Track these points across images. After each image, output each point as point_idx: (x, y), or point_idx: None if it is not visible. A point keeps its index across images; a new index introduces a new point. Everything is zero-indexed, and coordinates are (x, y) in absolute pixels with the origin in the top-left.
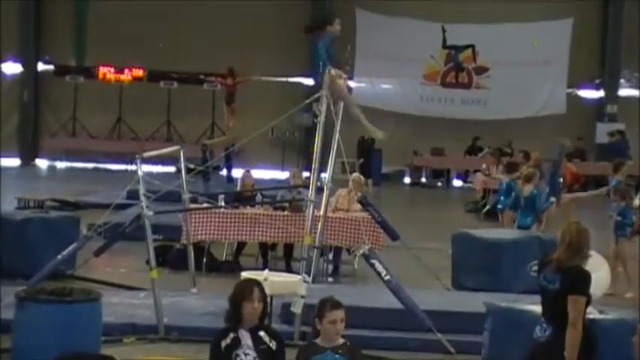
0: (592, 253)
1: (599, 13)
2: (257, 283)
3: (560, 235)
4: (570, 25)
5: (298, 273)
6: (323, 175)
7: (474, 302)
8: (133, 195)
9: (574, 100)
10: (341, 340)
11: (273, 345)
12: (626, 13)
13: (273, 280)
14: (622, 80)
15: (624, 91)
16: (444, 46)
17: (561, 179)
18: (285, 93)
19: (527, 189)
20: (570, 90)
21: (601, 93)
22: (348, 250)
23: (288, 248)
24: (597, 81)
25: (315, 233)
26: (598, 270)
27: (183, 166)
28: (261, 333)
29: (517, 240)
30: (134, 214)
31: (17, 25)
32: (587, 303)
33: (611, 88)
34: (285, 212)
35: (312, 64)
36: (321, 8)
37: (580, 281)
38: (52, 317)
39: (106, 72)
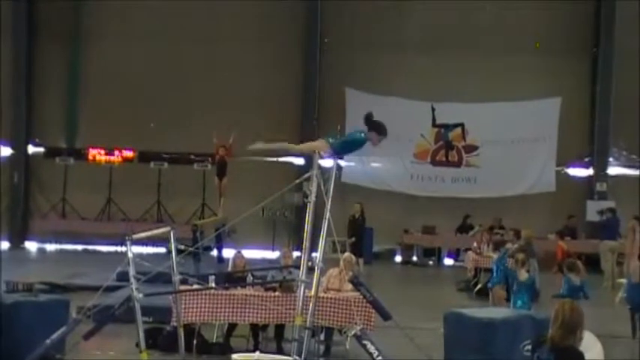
0: (585, 332)
1: (587, 92)
2: None
3: (553, 315)
4: (559, 104)
5: (289, 354)
6: (314, 254)
7: None
8: (123, 277)
9: (564, 178)
10: None
11: None
12: (614, 90)
13: None
14: (611, 158)
15: (613, 169)
16: (434, 124)
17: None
18: (276, 173)
19: (523, 274)
20: (560, 168)
21: (590, 171)
22: (340, 331)
23: (280, 329)
24: (587, 159)
25: (307, 314)
26: (591, 349)
27: (173, 247)
28: None
29: (509, 319)
30: (124, 297)
31: (8, 108)
32: None
33: (601, 166)
34: (276, 293)
35: (301, 144)
36: (311, 88)
37: None
38: None
39: (96, 153)
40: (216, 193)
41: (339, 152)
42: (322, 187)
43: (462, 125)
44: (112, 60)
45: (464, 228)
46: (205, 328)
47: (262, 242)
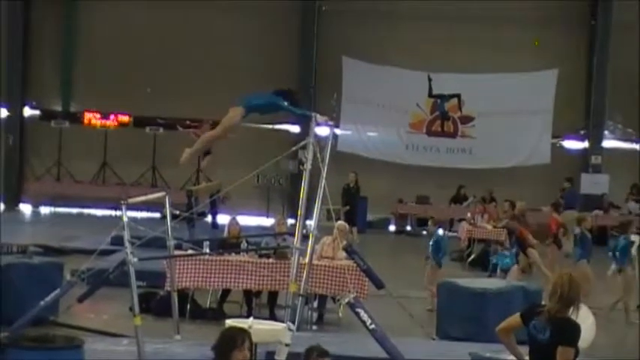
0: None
1: (584, 64)
2: (246, 332)
3: (551, 287)
4: (555, 76)
5: (282, 321)
6: (308, 222)
7: (459, 352)
8: (118, 241)
9: (559, 151)
10: None
11: None
12: (611, 64)
13: (258, 327)
14: (606, 132)
15: (609, 143)
16: (430, 95)
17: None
18: (272, 140)
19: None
20: (555, 140)
21: (585, 144)
22: (333, 299)
23: (273, 296)
24: (582, 132)
25: (300, 281)
26: (584, 321)
27: (168, 212)
28: None
29: (502, 290)
30: (118, 261)
31: (4, 70)
32: (576, 355)
33: (596, 139)
34: (271, 260)
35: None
36: (308, 56)
37: (570, 333)
38: None
39: (92, 117)
40: (201, 170)
41: (252, 109)
42: (318, 155)
43: (458, 96)
44: (109, 24)
45: (458, 198)
46: (199, 294)
47: (257, 209)
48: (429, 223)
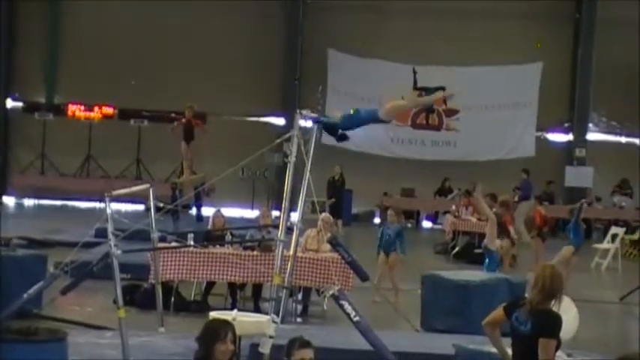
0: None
1: (568, 58)
2: (229, 324)
3: (533, 279)
4: (540, 69)
5: (267, 313)
6: (293, 214)
7: (443, 344)
8: (102, 233)
9: (543, 143)
10: None
11: None
12: (596, 57)
13: (242, 320)
14: (590, 124)
15: (593, 135)
16: (415, 87)
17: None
18: (256, 132)
19: None
20: (539, 133)
21: (570, 136)
22: (318, 291)
23: (257, 288)
24: (566, 124)
25: (285, 273)
26: (566, 313)
27: (152, 204)
28: None
29: (486, 282)
30: (102, 253)
31: None
32: (557, 346)
33: (580, 131)
34: (255, 252)
35: (282, 104)
36: (293, 49)
37: (551, 325)
38: (18, 357)
39: (76, 109)
40: (183, 157)
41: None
42: (302, 148)
43: (443, 89)
44: (93, 15)
45: (443, 191)
46: (183, 286)
47: (241, 201)
48: (389, 212)
